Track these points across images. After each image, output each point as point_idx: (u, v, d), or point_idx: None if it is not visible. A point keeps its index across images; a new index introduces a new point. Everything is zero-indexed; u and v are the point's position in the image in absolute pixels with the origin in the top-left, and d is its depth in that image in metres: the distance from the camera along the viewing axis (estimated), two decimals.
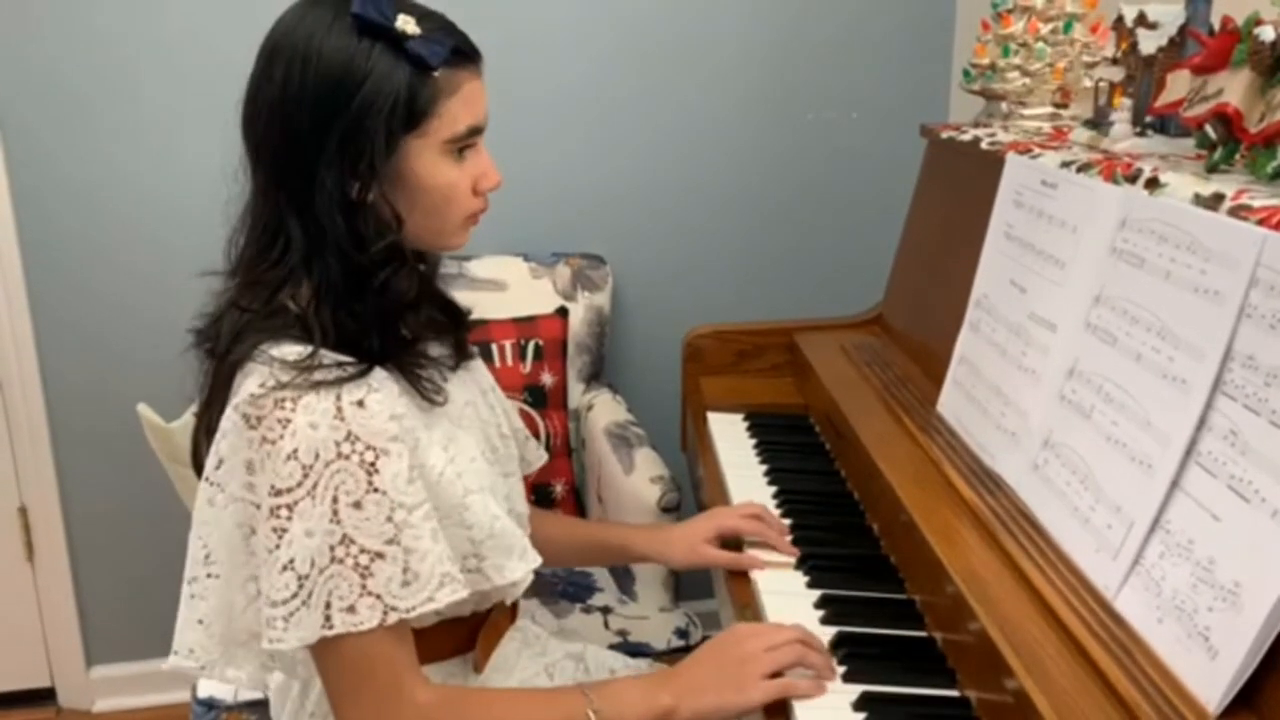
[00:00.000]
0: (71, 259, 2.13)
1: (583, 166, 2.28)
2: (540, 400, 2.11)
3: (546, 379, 2.12)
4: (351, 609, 0.94)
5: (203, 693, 1.60)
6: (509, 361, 2.10)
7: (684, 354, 1.83)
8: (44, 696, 2.34)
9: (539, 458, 1.36)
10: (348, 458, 0.93)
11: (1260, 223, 0.87)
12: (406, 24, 0.97)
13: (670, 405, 1.90)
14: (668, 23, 2.24)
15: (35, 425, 2.18)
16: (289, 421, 0.93)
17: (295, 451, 0.93)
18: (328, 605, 0.94)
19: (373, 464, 0.94)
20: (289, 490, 0.93)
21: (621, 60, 2.25)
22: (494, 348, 2.08)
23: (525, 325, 2.12)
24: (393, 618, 0.94)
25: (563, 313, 2.17)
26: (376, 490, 0.94)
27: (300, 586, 0.94)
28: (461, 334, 1.20)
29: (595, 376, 2.25)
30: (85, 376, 2.18)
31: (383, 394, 0.97)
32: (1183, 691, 0.81)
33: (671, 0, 2.23)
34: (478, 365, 1.25)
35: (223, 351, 1.01)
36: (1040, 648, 0.91)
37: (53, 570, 2.26)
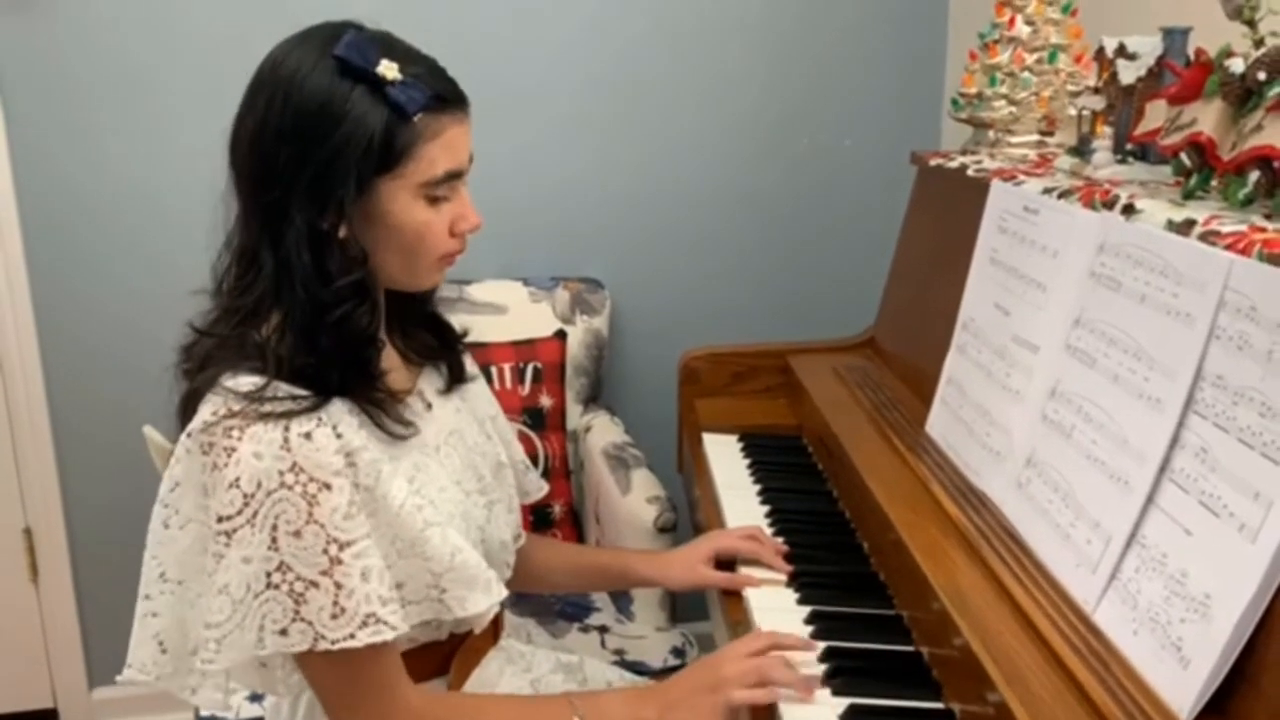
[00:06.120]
0: (78, 280, 2.16)
1: (582, 193, 2.32)
2: (539, 422, 2.14)
3: (545, 401, 2.15)
4: (284, 632, 0.96)
5: (205, 713, 1.62)
6: (508, 384, 2.13)
7: (680, 376, 1.86)
8: (46, 718, 2.35)
9: (539, 489, 1.37)
10: (290, 488, 0.94)
11: (1228, 248, 0.90)
12: (388, 69, 0.98)
13: (667, 426, 1.93)
14: (665, 51, 2.29)
15: (41, 446, 2.21)
16: (234, 450, 0.95)
17: (237, 480, 0.94)
18: (260, 627, 0.96)
19: (314, 496, 0.95)
20: (229, 518, 0.95)
21: (620, 88, 2.29)
22: (493, 370, 2.11)
23: (524, 348, 2.16)
24: (321, 645, 0.95)
25: (561, 336, 2.20)
26: (315, 521, 0.95)
27: (234, 611, 0.96)
28: (454, 356, 1.21)
29: (593, 398, 2.27)
30: (91, 398, 2.21)
31: (336, 427, 0.98)
32: (1156, 701, 0.84)
33: (669, 28, 2.28)
34: (478, 393, 1.25)
35: (188, 378, 1.03)
36: (1021, 661, 0.94)
37: (57, 591, 2.28)
